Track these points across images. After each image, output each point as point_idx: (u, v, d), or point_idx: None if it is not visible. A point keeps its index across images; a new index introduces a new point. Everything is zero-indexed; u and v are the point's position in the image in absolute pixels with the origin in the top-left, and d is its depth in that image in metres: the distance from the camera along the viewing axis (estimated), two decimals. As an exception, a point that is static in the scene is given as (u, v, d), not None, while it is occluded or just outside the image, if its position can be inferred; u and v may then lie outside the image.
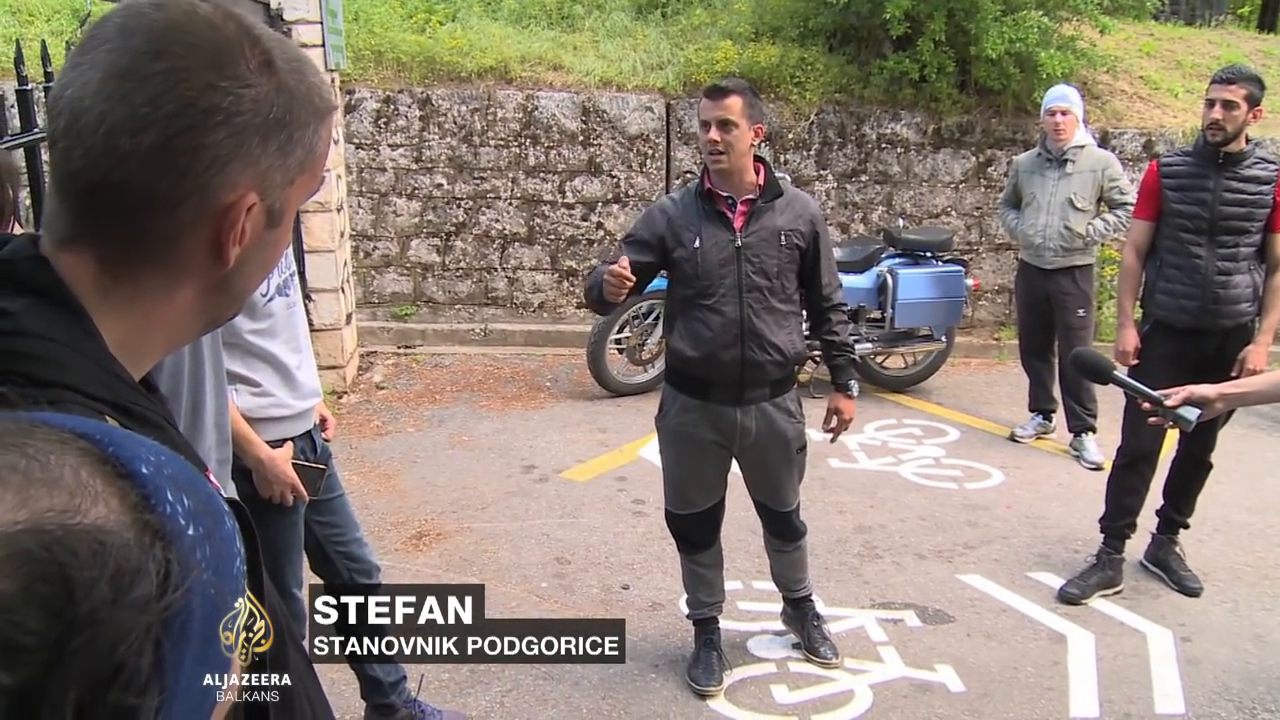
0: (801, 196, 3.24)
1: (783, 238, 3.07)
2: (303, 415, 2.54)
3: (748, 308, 3.04)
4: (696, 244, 3.04)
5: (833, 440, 3.38)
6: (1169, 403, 2.40)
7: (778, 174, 3.24)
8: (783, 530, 3.41)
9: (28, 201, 2.30)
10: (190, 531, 0.51)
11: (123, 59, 0.72)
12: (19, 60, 2.52)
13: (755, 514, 3.45)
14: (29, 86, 2.48)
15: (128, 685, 0.45)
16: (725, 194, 3.07)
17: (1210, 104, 3.76)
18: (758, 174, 3.09)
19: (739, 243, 3.04)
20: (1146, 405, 2.47)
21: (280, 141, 0.77)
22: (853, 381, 3.29)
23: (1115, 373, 2.59)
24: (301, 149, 0.79)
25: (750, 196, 3.07)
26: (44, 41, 2.60)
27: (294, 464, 2.47)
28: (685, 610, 3.52)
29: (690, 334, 3.09)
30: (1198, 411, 2.38)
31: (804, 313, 3.28)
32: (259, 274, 0.84)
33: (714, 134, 2.97)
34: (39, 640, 0.43)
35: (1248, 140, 3.82)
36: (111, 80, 0.72)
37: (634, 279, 2.81)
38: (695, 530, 3.33)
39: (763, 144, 3.01)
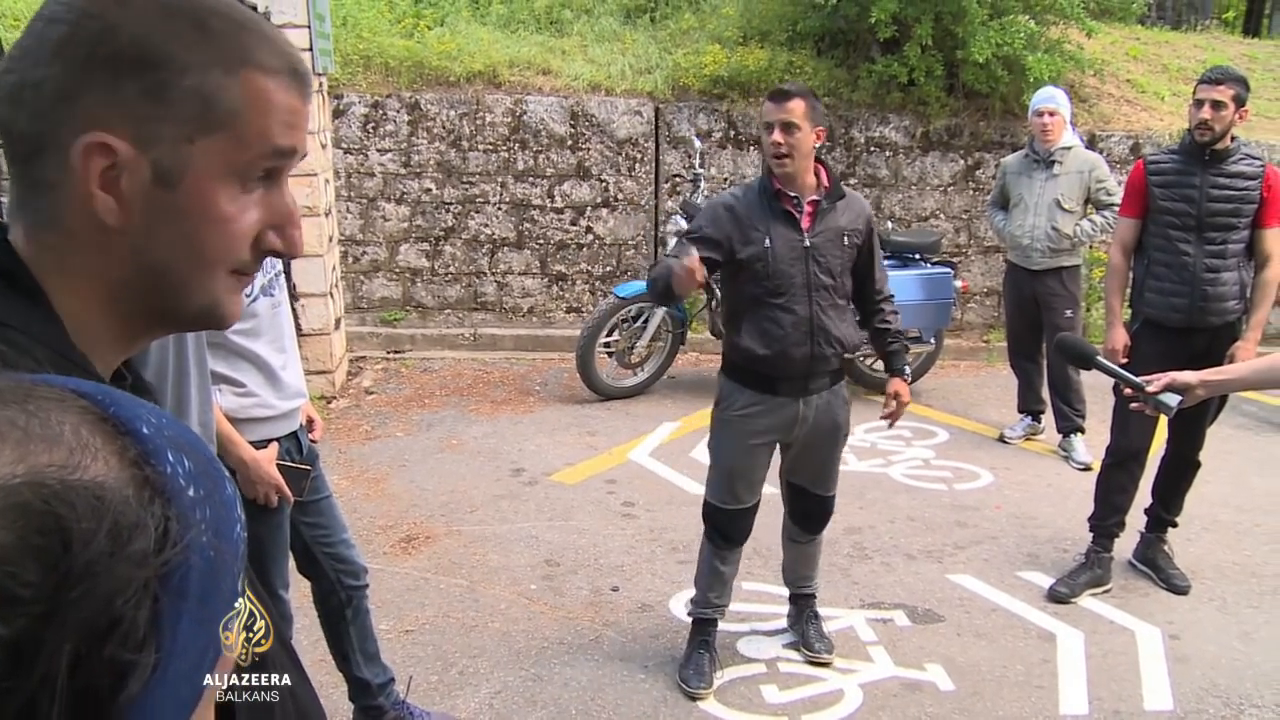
0: (857, 197, 3.31)
1: (845, 238, 3.16)
2: (288, 416, 2.53)
3: (816, 305, 3.11)
4: (767, 243, 3.09)
5: (890, 425, 3.43)
6: (1151, 388, 2.41)
7: None
8: (814, 516, 3.45)
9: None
10: (190, 492, 0.51)
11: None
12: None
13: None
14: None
15: (125, 640, 0.45)
16: (792, 194, 3.12)
17: (1198, 104, 3.78)
18: (818, 175, 3.15)
19: (807, 243, 3.10)
20: (1129, 391, 2.49)
21: (147, 84, 0.72)
22: (907, 366, 3.38)
23: (1098, 358, 2.61)
24: (193, 99, 0.74)
25: (815, 197, 3.13)
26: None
27: (278, 465, 2.46)
28: (687, 609, 3.51)
29: (760, 332, 3.13)
30: (1179, 398, 2.40)
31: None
32: (184, 246, 0.76)
33: (778, 136, 3.01)
34: (35, 592, 0.43)
35: (1233, 139, 3.84)
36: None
37: (705, 277, 2.93)
38: (733, 526, 3.34)
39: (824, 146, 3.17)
